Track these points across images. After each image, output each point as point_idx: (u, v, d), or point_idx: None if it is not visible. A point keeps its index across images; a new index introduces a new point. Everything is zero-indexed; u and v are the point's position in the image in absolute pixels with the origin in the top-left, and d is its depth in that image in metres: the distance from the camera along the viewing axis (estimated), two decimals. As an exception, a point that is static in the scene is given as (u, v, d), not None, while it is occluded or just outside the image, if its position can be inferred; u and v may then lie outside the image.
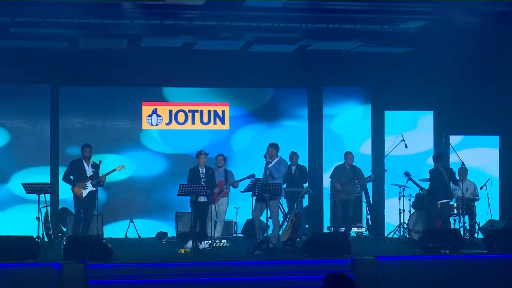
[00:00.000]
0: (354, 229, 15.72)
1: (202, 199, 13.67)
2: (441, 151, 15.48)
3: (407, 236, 14.86)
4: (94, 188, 13.62)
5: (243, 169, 15.02)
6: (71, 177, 13.81)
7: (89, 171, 13.76)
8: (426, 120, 16.85)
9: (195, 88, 16.45)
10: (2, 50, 15.16)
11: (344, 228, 14.69)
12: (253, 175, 14.30)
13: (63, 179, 14.06)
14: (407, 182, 14.89)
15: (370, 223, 16.27)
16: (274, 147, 13.53)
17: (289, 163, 15.20)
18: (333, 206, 14.99)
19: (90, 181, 13.64)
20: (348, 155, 15.00)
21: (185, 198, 13.73)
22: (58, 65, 15.54)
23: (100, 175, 13.63)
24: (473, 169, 15.76)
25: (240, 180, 14.42)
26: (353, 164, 15.00)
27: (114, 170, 13.77)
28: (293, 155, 15.41)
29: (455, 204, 14.99)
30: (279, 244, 13.57)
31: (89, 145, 13.94)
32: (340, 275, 5.78)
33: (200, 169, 14.01)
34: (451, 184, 15.58)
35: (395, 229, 15.43)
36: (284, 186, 14.80)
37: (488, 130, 16.77)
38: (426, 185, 14.65)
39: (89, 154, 13.84)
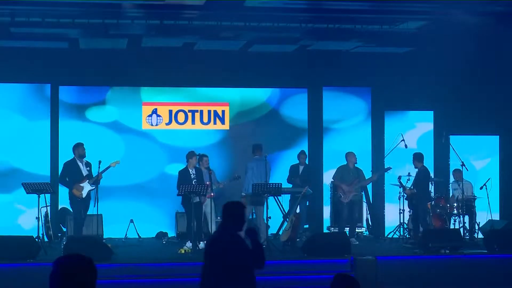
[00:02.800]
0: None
1: (196, 199, 13.67)
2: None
3: (407, 236, 14.86)
4: (92, 187, 13.62)
5: (243, 169, 15.05)
6: (67, 178, 13.79)
7: (84, 171, 13.76)
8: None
9: (195, 88, 16.45)
10: (2, 50, 15.17)
11: (348, 228, 14.70)
12: (239, 177, 14.31)
13: (60, 182, 14.05)
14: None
15: (370, 223, 16.27)
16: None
17: (297, 161, 15.31)
18: (340, 207, 14.95)
19: (87, 180, 13.65)
20: (350, 155, 14.99)
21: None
22: (58, 65, 15.54)
23: (97, 173, 13.63)
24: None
25: (227, 182, 14.45)
26: (355, 164, 15.00)
27: (109, 166, 13.76)
28: (301, 155, 15.37)
29: (455, 204, 15.00)
30: (279, 244, 13.60)
31: (82, 143, 13.93)
32: (348, 277, 5.84)
33: (190, 170, 13.99)
34: (449, 185, 15.69)
35: (395, 229, 15.43)
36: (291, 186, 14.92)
37: (488, 130, 16.77)
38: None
39: (84, 152, 13.83)
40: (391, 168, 15.11)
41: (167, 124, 16.31)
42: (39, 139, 15.79)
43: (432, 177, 15.52)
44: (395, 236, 15.29)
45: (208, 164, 14.30)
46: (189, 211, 13.59)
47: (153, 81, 16.11)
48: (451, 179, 15.98)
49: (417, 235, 14.07)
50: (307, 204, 15.89)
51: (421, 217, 14.21)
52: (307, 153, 15.91)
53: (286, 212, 14.74)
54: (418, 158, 14.70)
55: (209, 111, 16.47)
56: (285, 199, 15.05)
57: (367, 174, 15.48)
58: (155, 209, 16.09)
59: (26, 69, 15.42)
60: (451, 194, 15.47)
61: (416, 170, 14.62)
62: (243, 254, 6.75)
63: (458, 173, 15.32)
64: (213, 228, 14.28)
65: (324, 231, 15.89)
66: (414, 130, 16.57)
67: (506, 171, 16.83)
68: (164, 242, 15.09)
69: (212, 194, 13.97)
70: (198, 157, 14.32)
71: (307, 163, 15.46)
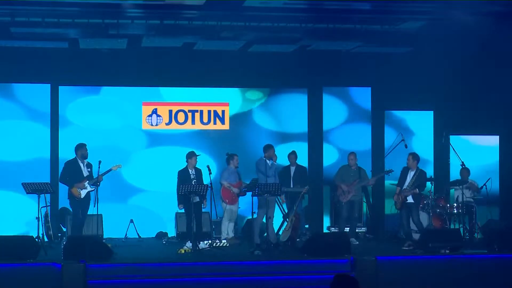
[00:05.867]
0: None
1: (197, 198, 13.68)
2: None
3: (403, 237, 14.83)
4: (92, 189, 13.62)
5: (243, 170, 15.06)
6: (67, 178, 13.78)
7: (85, 171, 13.74)
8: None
9: (195, 88, 16.45)
10: (2, 50, 15.18)
11: (348, 228, 14.68)
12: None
13: (60, 181, 14.04)
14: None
15: (370, 223, 16.25)
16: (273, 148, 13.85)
17: (288, 163, 15.29)
18: (339, 206, 14.95)
19: (87, 181, 13.64)
20: (350, 156, 14.96)
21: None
22: (58, 65, 15.56)
23: (97, 175, 13.62)
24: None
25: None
26: (357, 165, 14.95)
27: (110, 170, 13.75)
28: (291, 155, 15.33)
29: (455, 204, 15.00)
30: (279, 244, 13.62)
31: (84, 143, 13.92)
32: (347, 277, 5.86)
33: (190, 170, 14.00)
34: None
35: (395, 229, 15.43)
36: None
37: (488, 130, 16.77)
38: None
39: (87, 153, 13.83)
40: (392, 170, 15.08)
41: (167, 124, 16.32)
42: (39, 139, 15.78)
43: (432, 177, 15.52)
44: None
45: (237, 163, 14.44)
46: (189, 211, 13.60)
47: (153, 81, 16.11)
48: (451, 178, 15.99)
49: (410, 237, 14.02)
50: (306, 204, 15.91)
51: (417, 219, 14.10)
52: (305, 153, 15.89)
53: (286, 212, 14.74)
54: (418, 159, 14.58)
55: (209, 111, 16.48)
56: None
57: (369, 174, 15.45)
58: (155, 209, 16.09)
59: (26, 69, 15.43)
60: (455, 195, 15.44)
61: (414, 171, 14.38)
62: None
63: (464, 173, 15.26)
64: (230, 227, 14.42)
65: (324, 231, 15.89)
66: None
67: (506, 171, 16.83)
68: (164, 242, 15.08)
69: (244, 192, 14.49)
70: (227, 156, 14.64)
71: (298, 163, 15.41)
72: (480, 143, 16.86)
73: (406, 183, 14.11)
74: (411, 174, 14.16)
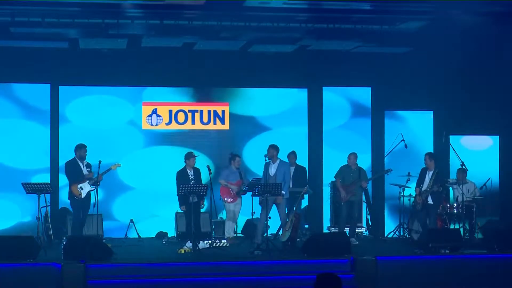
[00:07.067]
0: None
1: (195, 198, 13.68)
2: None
3: (407, 236, 14.86)
4: (92, 188, 13.62)
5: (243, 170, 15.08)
6: (69, 177, 13.79)
7: (85, 171, 13.75)
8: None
9: (194, 88, 16.45)
10: (2, 50, 15.18)
11: (348, 228, 14.67)
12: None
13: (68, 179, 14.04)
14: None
15: (370, 223, 16.26)
16: (275, 148, 13.67)
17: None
18: (338, 206, 14.95)
19: (88, 181, 13.64)
20: (351, 156, 14.93)
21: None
22: (58, 65, 15.56)
23: (96, 174, 13.61)
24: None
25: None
26: (357, 164, 14.92)
27: (110, 169, 13.76)
28: (291, 155, 15.32)
29: (454, 204, 15.00)
30: (279, 244, 13.62)
31: (85, 145, 13.92)
32: (329, 275, 5.87)
33: (188, 171, 14.00)
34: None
35: (395, 229, 15.44)
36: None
37: (488, 130, 16.77)
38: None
39: (85, 154, 13.84)
40: (391, 170, 15.06)
41: (167, 124, 16.32)
42: (39, 138, 15.78)
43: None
44: (395, 236, 15.32)
45: (239, 164, 14.52)
46: (188, 211, 13.61)
47: (153, 81, 16.11)
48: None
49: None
50: (306, 204, 15.90)
51: (434, 219, 14.09)
52: (305, 153, 15.85)
53: (286, 212, 14.73)
54: (435, 158, 14.30)
55: (209, 111, 16.47)
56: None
57: (369, 174, 15.45)
58: (155, 209, 16.09)
59: (26, 69, 15.43)
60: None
61: (432, 171, 14.05)
62: None
63: (461, 173, 15.28)
64: (232, 227, 14.41)
65: (324, 231, 15.89)
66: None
67: (505, 171, 16.83)
68: (164, 242, 15.08)
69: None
70: (230, 156, 14.67)
71: (298, 163, 15.40)
72: (480, 143, 16.87)
73: (425, 184, 14.03)
74: (429, 174, 14.07)
